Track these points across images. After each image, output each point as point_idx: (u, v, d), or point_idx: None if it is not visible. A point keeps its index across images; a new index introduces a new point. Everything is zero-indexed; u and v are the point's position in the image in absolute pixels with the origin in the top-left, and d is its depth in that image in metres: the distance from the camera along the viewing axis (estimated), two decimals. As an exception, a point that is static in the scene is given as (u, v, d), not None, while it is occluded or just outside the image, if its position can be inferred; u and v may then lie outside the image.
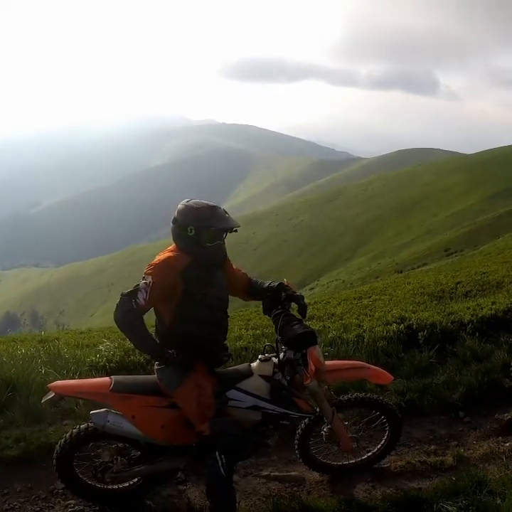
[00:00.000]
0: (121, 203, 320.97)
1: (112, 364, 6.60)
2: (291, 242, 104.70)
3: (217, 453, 4.02)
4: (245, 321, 10.10)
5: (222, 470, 3.99)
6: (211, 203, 4.10)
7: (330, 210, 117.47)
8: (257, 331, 8.02)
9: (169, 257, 4.07)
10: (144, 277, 4.00)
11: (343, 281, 58.82)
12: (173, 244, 4.18)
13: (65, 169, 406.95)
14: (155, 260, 4.09)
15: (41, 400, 4.50)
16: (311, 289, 63.66)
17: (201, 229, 4.00)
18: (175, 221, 4.09)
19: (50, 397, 4.37)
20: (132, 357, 6.76)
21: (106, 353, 6.95)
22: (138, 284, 3.99)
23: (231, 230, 4.07)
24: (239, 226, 4.08)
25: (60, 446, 4.36)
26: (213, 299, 4.21)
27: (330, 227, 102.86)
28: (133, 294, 3.97)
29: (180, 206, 4.08)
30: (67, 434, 4.39)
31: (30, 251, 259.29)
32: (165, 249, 4.21)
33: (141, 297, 3.94)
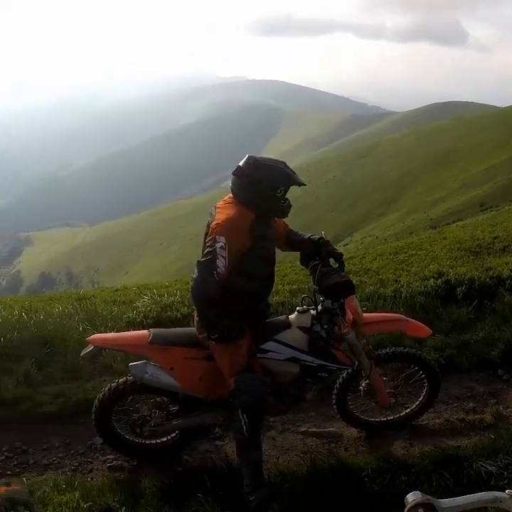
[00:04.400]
0: (151, 163, 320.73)
1: (148, 320, 6.65)
2: (324, 198, 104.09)
3: (239, 411, 4.00)
4: (281, 276, 10.04)
5: (244, 429, 3.97)
6: (279, 160, 3.98)
7: (362, 165, 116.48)
8: (294, 286, 7.98)
9: (236, 214, 3.86)
10: (214, 239, 3.76)
11: (377, 237, 58.58)
12: (230, 197, 4.00)
13: (95, 130, 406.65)
14: (220, 219, 3.85)
15: (80, 355, 4.53)
16: (345, 244, 63.46)
17: (287, 188, 3.91)
18: (256, 180, 3.84)
19: (88, 349, 4.41)
20: (169, 313, 6.80)
21: (143, 309, 6.99)
22: (213, 248, 3.77)
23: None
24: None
25: (98, 400, 4.41)
26: (270, 253, 4.15)
27: (362, 183, 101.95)
28: (212, 262, 3.75)
29: (256, 164, 3.86)
30: (106, 388, 4.43)
31: (63, 212, 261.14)
32: (222, 203, 4.02)
33: (221, 265, 3.74)
